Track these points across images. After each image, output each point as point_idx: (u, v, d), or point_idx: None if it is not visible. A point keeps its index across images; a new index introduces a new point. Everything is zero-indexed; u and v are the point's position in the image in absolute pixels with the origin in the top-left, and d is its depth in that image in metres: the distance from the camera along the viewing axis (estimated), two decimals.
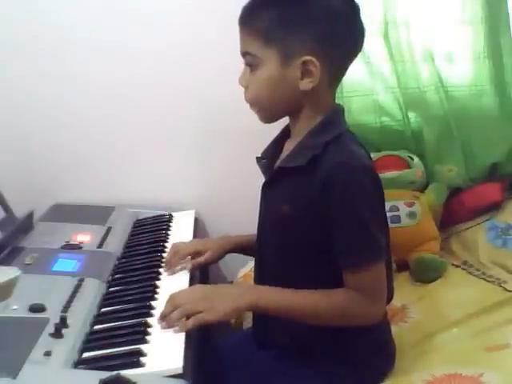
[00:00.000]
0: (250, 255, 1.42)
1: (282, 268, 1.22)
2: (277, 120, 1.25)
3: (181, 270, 1.39)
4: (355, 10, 1.18)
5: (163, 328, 1.13)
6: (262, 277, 1.29)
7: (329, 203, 1.12)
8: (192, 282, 1.35)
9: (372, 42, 1.88)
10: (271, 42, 1.14)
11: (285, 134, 1.28)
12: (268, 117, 1.23)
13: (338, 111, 1.23)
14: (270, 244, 1.26)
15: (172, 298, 1.17)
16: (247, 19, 1.17)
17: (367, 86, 1.94)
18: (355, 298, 1.14)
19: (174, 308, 1.14)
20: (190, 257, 1.42)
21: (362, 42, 1.20)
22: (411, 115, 1.96)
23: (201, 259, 1.40)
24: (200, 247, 1.43)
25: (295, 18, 1.13)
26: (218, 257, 1.43)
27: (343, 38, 1.16)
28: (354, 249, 1.13)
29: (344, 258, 1.13)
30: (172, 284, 1.32)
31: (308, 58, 1.13)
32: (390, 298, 1.29)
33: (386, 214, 1.26)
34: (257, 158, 1.30)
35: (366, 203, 1.12)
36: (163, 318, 1.14)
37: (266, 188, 1.26)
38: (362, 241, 1.13)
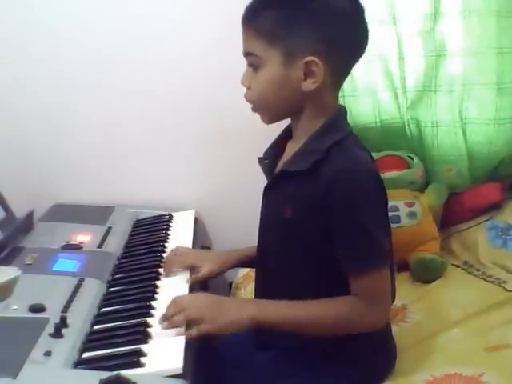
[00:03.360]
0: (253, 267, 1.40)
1: (283, 271, 1.22)
2: (278, 121, 1.25)
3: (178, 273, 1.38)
4: (359, 10, 1.17)
5: (164, 328, 1.13)
6: (264, 279, 1.29)
7: (331, 209, 1.11)
8: (192, 286, 1.34)
9: (373, 40, 1.87)
10: (274, 42, 1.14)
11: (287, 135, 1.27)
12: (270, 117, 1.23)
13: (341, 113, 1.22)
14: (271, 246, 1.25)
15: (176, 301, 1.18)
16: (250, 19, 1.17)
17: (367, 85, 1.93)
18: (358, 305, 1.13)
19: (177, 311, 1.14)
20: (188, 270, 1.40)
21: (366, 42, 1.19)
22: (412, 115, 1.96)
23: (199, 276, 1.37)
24: (200, 261, 1.39)
25: (298, 18, 1.12)
26: (217, 272, 1.39)
27: (347, 38, 1.15)
28: (357, 255, 1.12)
29: (347, 264, 1.13)
30: (172, 284, 1.32)
31: (311, 58, 1.12)
32: (392, 300, 1.29)
33: (388, 218, 1.25)
34: (259, 158, 1.29)
35: (369, 209, 1.12)
36: (165, 319, 1.15)
37: (267, 190, 1.26)
38: (365, 247, 1.12)
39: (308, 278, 1.19)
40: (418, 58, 1.90)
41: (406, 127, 1.96)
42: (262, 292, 1.28)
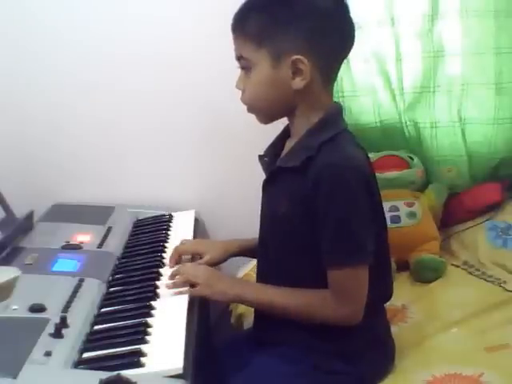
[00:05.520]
0: (255, 257, 1.42)
1: (281, 263, 1.25)
2: (274, 120, 1.27)
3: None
4: (342, 6, 1.20)
5: (167, 287, 1.28)
6: (264, 270, 1.31)
7: (316, 203, 1.14)
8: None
9: (371, 41, 1.87)
10: (262, 44, 1.17)
11: (286, 134, 1.29)
12: (265, 118, 1.26)
13: (337, 110, 1.24)
14: (270, 239, 1.28)
15: (181, 268, 1.33)
16: (238, 25, 1.21)
17: (367, 85, 1.93)
18: (327, 299, 1.17)
19: (179, 273, 1.29)
20: (190, 256, 1.44)
21: (352, 38, 1.22)
22: (409, 117, 1.95)
23: (200, 261, 1.41)
24: (201, 249, 1.44)
25: (282, 19, 1.16)
26: (219, 259, 1.43)
27: (331, 35, 1.17)
28: (334, 249, 1.15)
29: (324, 257, 1.16)
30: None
31: (297, 56, 1.15)
32: (388, 297, 1.31)
33: (383, 216, 1.26)
34: (259, 155, 1.32)
35: (351, 205, 1.14)
36: (171, 277, 1.30)
37: (265, 186, 1.29)
38: (342, 242, 1.14)
39: (304, 270, 1.21)
40: (415, 59, 1.90)
41: (405, 128, 1.96)
42: (262, 282, 1.29)
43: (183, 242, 1.48)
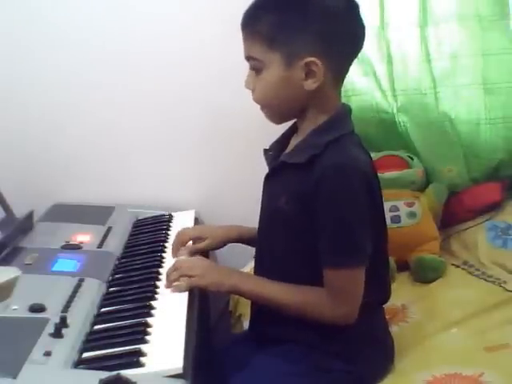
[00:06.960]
0: (253, 246, 1.43)
1: (277, 257, 1.26)
2: (286, 121, 1.28)
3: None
4: (354, 8, 1.19)
5: (166, 287, 1.26)
6: (261, 263, 1.32)
7: (318, 202, 1.14)
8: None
9: (371, 41, 1.88)
10: (273, 45, 1.16)
11: (293, 131, 1.30)
12: (277, 117, 1.26)
13: (345, 112, 1.25)
14: (267, 233, 1.29)
15: (176, 261, 1.32)
16: (249, 24, 1.20)
17: (366, 85, 1.94)
18: (323, 299, 1.17)
19: (174, 269, 1.26)
20: (191, 242, 1.45)
21: (363, 39, 1.22)
22: (402, 119, 1.95)
23: (200, 245, 1.43)
24: (202, 233, 1.46)
25: (295, 20, 1.15)
26: (219, 244, 1.45)
27: (343, 36, 1.17)
28: (332, 250, 1.15)
29: (322, 257, 1.16)
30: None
31: (310, 58, 1.15)
32: (386, 298, 1.31)
33: (383, 218, 1.27)
34: (264, 149, 1.32)
35: (351, 206, 1.14)
36: (167, 276, 1.28)
37: (267, 179, 1.29)
38: (341, 243, 1.15)
39: (300, 266, 1.22)
40: (406, 61, 1.91)
41: (400, 128, 1.97)
42: (260, 274, 1.30)
43: (182, 231, 1.48)
